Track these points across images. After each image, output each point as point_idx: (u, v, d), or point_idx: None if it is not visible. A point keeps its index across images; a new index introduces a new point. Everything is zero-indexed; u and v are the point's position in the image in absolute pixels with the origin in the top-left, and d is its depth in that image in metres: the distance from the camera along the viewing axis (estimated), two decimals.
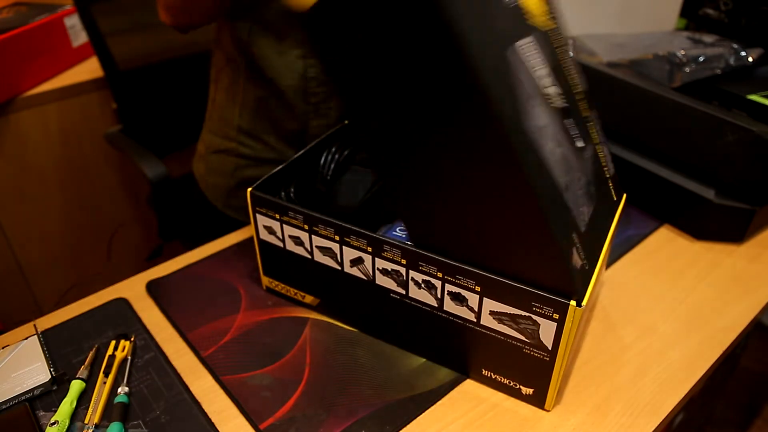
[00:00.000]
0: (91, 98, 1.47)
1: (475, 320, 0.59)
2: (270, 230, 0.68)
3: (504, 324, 0.57)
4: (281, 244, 0.68)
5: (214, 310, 0.76)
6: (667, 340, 0.71)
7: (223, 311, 0.75)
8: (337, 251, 0.63)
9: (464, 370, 0.66)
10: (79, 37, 1.51)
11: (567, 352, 0.56)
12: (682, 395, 0.65)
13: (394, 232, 0.66)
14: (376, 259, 0.61)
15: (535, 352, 0.57)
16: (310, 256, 0.66)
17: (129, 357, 0.69)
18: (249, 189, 0.66)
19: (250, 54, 0.87)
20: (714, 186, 0.84)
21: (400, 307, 0.64)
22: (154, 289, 0.79)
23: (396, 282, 0.62)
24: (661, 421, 0.62)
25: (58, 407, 0.62)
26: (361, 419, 0.61)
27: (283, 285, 0.73)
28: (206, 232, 1.00)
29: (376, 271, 0.62)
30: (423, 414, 0.63)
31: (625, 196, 0.69)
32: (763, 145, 0.79)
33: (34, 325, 0.73)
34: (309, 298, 0.71)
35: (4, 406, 0.63)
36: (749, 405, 1.59)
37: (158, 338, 0.72)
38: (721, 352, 0.70)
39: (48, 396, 0.64)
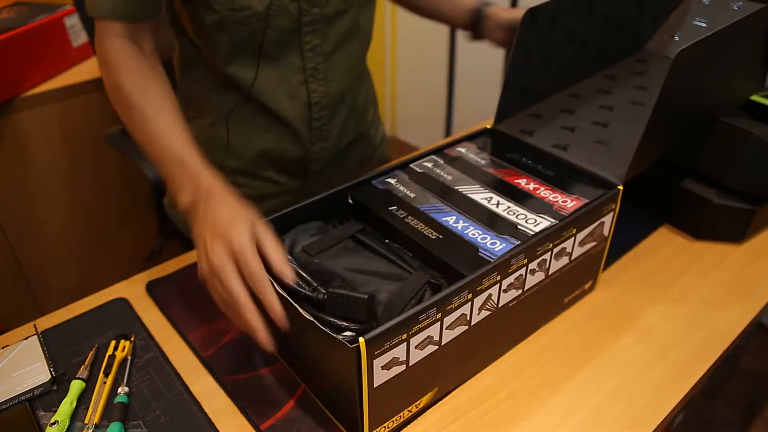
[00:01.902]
0: (91, 98, 1.47)
1: (568, 261, 0.70)
2: (391, 363, 0.55)
3: (586, 244, 0.71)
4: (404, 367, 0.57)
5: (214, 310, 0.75)
6: (667, 340, 0.71)
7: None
8: (468, 310, 0.60)
9: (551, 318, 0.72)
10: (79, 37, 1.51)
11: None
12: (682, 395, 0.65)
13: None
14: (503, 281, 0.61)
15: (597, 249, 0.73)
16: (437, 346, 0.59)
17: (129, 357, 0.69)
18: (361, 339, 0.51)
19: (249, 89, 0.80)
20: (714, 186, 0.84)
21: (514, 310, 0.67)
22: (154, 289, 0.79)
23: (516, 288, 0.65)
24: (661, 421, 0.62)
25: (58, 407, 0.62)
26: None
27: (394, 420, 0.61)
28: None
29: (501, 295, 0.62)
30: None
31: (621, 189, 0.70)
32: (763, 147, 0.79)
33: (34, 325, 0.73)
34: (426, 398, 0.63)
35: (4, 406, 0.63)
36: (749, 405, 1.58)
37: (158, 338, 0.72)
38: (721, 352, 0.70)
39: (48, 396, 0.64)
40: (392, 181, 0.74)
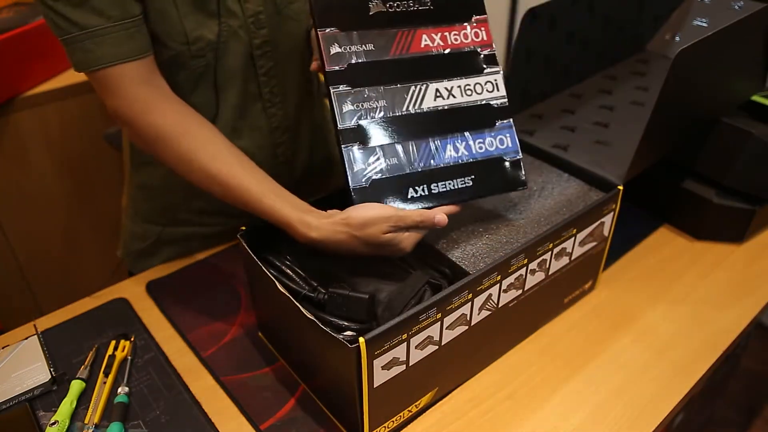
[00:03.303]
0: (91, 98, 1.46)
1: (569, 261, 0.71)
2: (391, 363, 0.55)
3: (587, 244, 0.71)
4: (404, 367, 0.57)
5: (214, 310, 0.76)
6: (667, 340, 0.71)
7: (223, 311, 0.75)
8: (468, 310, 0.60)
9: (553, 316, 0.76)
10: None
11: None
12: (682, 395, 0.65)
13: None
14: (502, 282, 0.62)
15: (598, 248, 0.73)
16: (437, 346, 0.59)
17: (129, 357, 0.69)
18: (362, 339, 0.51)
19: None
20: (714, 186, 0.84)
21: (515, 310, 0.68)
22: (154, 289, 0.79)
23: (516, 288, 0.65)
24: (661, 421, 0.62)
25: (58, 407, 0.62)
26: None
27: (393, 421, 0.61)
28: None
29: (501, 295, 0.63)
30: (424, 414, 0.63)
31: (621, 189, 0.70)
32: (763, 147, 0.79)
33: (34, 325, 0.73)
34: (425, 399, 0.63)
35: (4, 406, 0.63)
36: (749, 405, 1.58)
37: (158, 338, 0.72)
38: (721, 352, 0.70)
39: (48, 396, 0.64)
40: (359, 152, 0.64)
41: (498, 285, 0.61)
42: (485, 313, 0.62)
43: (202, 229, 0.86)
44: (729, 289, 0.79)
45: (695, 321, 0.74)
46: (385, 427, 0.60)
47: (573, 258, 0.69)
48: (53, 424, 0.60)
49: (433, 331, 0.56)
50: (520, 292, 0.64)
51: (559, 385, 0.66)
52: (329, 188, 0.78)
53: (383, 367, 0.54)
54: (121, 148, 0.89)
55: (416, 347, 0.56)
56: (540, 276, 0.66)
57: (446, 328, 0.58)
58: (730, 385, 1.55)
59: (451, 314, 0.57)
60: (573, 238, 0.67)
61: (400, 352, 0.54)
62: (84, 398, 0.64)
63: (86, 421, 0.61)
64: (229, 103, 0.76)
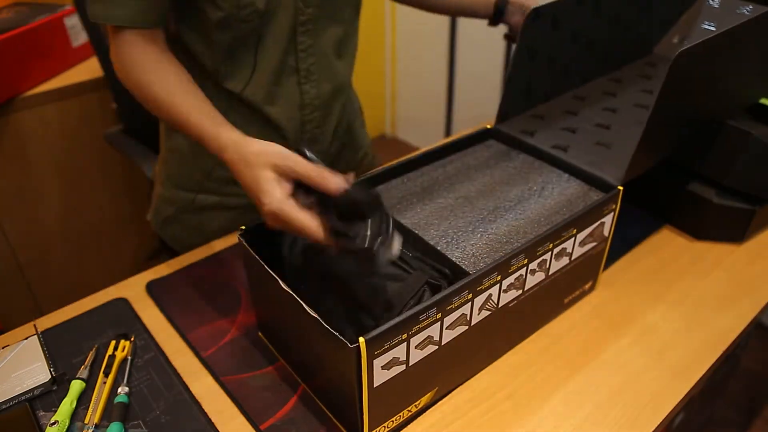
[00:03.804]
0: (91, 98, 1.47)
1: (569, 261, 0.70)
2: (391, 363, 0.55)
3: (587, 244, 0.71)
4: (404, 367, 0.57)
5: (214, 310, 0.76)
6: (667, 340, 0.71)
7: (223, 311, 0.75)
8: (468, 310, 0.60)
9: (552, 317, 0.76)
10: (79, 37, 1.51)
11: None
12: (682, 395, 0.65)
13: None
14: (503, 281, 0.62)
15: (598, 248, 0.73)
16: (437, 346, 0.59)
17: (129, 357, 0.69)
18: (362, 339, 0.51)
19: (240, 93, 0.79)
20: (714, 186, 0.84)
21: (514, 310, 0.67)
22: (154, 289, 0.79)
23: (516, 288, 0.65)
24: (661, 421, 0.62)
25: (58, 407, 0.62)
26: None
27: (393, 420, 0.61)
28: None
29: (501, 295, 0.63)
30: (424, 414, 0.63)
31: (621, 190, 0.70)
32: (763, 147, 0.79)
33: (34, 325, 0.73)
34: (425, 399, 0.63)
35: (4, 406, 0.63)
36: (749, 405, 1.58)
37: (158, 338, 0.72)
38: (721, 352, 0.70)
39: (48, 396, 0.64)
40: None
41: (498, 285, 0.61)
42: (485, 313, 0.62)
43: (230, 199, 0.89)
44: (729, 289, 0.79)
45: (695, 321, 0.74)
46: (384, 426, 0.60)
47: (573, 258, 0.69)
48: (53, 424, 0.60)
49: (433, 331, 0.56)
50: (520, 292, 0.64)
51: (559, 385, 0.66)
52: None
53: (383, 367, 0.54)
54: (121, 149, 0.90)
55: (416, 347, 0.56)
56: (540, 276, 0.66)
57: (446, 328, 0.58)
58: (730, 385, 1.55)
59: (451, 314, 0.57)
60: (573, 239, 0.67)
61: (400, 352, 0.54)
62: (84, 398, 0.64)
63: (86, 421, 0.61)
64: (266, 70, 0.79)
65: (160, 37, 0.73)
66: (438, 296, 0.55)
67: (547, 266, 0.66)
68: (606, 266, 0.80)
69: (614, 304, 0.76)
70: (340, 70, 0.86)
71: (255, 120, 0.83)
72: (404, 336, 0.54)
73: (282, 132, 0.85)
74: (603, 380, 0.66)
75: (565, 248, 0.67)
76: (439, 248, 0.65)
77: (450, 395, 0.65)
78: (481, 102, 2.36)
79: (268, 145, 0.60)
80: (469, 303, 0.58)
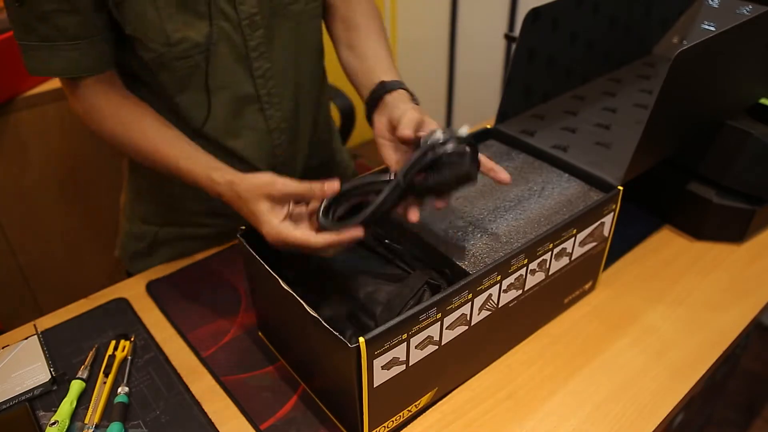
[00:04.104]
0: None
1: (569, 261, 0.70)
2: (392, 363, 0.56)
3: (587, 244, 0.71)
4: (404, 366, 0.57)
5: (214, 310, 0.76)
6: (667, 341, 0.71)
7: (223, 311, 0.75)
8: (468, 310, 0.60)
9: (553, 317, 0.76)
10: None
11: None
12: (682, 395, 0.65)
13: None
14: (503, 281, 0.62)
15: (598, 248, 0.73)
16: (437, 347, 0.59)
17: (129, 357, 0.69)
18: (361, 339, 0.51)
19: (201, 128, 0.75)
20: (714, 186, 0.84)
21: (514, 309, 0.67)
22: (154, 289, 0.79)
23: (516, 288, 0.65)
24: (661, 421, 0.62)
25: (58, 407, 0.62)
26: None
27: (392, 420, 0.62)
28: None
29: (501, 295, 0.63)
30: (424, 414, 0.63)
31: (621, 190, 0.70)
32: (763, 147, 0.79)
33: (34, 325, 0.73)
34: (425, 398, 0.63)
35: (4, 406, 0.63)
36: (749, 405, 1.58)
37: (158, 338, 0.72)
38: (721, 352, 0.70)
39: (48, 396, 0.64)
40: None
41: (498, 285, 0.61)
42: (485, 313, 0.62)
43: (198, 230, 0.86)
44: (729, 289, 0.79)
45: (695, 321, 0.74)
46: (384, 426, 0.60)
47: (573, 258, 0.69)
48: (53, 424, 0.60)
49: (433, 331, 0.57)
50: (520, 292, 0.64)
51: (559, 385, 0.66)
52: None
53: (383, 367, 0.54)
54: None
55: (416, 347, 0.56)
56: (540, 276, 0.66)
57: (446, 328, 0.58)
58: (730, 385, 1.55)
59: (451, 314, 0.57)
60: (573, 239, 0.67)
61: (400, 352, 0.54)
62: (84, 398, 0.64)
63: (86, 421, 0.61)
64: (222, 105, 0.74)
65: (116, 78, 0.70)
66: (438, 296, 0.55)
67: (548, 266, 0.66)
68: (606, 266, 0.80)
69: (614, 304, 0.76)
70: (305, 79, 0.81)
71: (221, 154, 0.73)
72: (404, 336, 0.54)
73: (249, 162, 0.80)
74: (603, 380, 0.66)
75: (565, 248, 0.67)
76: (439, 248, 0.65)
77: (450, 395, 0.65)
78: (480, 102, 2.36)
79: (257, 177, 0.61)
80: (469, 303, 0.58)
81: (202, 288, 0.79)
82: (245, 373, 0.67)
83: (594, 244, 0.71)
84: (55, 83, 1.42)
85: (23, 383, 0.65)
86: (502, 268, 0.60)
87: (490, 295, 0.61)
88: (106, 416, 0.62)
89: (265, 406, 0.63)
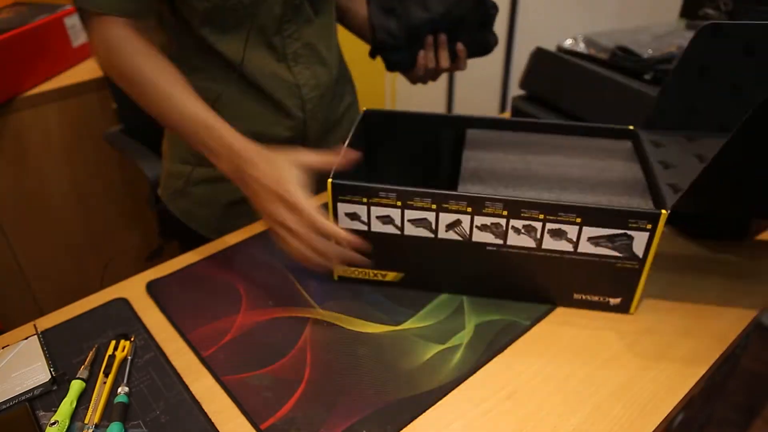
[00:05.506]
0: (91, 98, 1.47)
1: (572, 250, 0.68)
2: (354, 216, 0.69)
3: (600, 246, 0.67)
4: (366, 228, 0.70)
5: (214, 310, 0.76)
6: (667, 340, 0.71)
7: (223, 311, 0.75)
8: (432, 219, 0.68)
9: (554, 300, 0.75)
10: (79, 37, 1.51)
11: (653, 257, 0.67)
12: (682, 395, 0.65)
13: None
14: (476, 217, 0.67)
15: (627, 264, 0.68)
16: (399, 232, 0.70)
17: (129, 357, 0.69)
18: (329, 180, 0.67)
19: (239, 66, 0.83)
20: None
21: (495, 258, 0.71)
22: (154, 289, 0.79)
23: (494, 234, 0.68)
24: (661, 421, 0.62)
25: (58, 407, 0.62)
26: (362, 419, 0.61)
27: (360, 270, 0.76)
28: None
29: (474, 229, 0.68)
30: (424, 414, 0.63)
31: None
32: None
33: (34, 325, 0.74)
34: (391, 275, 0.75)
35: (4, 406, 0.63)
36: (749, 405, 1.59)
37: (158, 338, 0.72)
38: (721, 352, 0.70)
39: (48, 396, 0.64)
40: None
41: (470, 217, 0.66)
42: (453, 235, 0.68)
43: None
44: (729, 289, 0.79)
45: (695, 321, 0.74)
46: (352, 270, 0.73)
47: (580, 251, 0.68)
48: (53, 424, 0.60)
49: (394, 213, 0.66)
50: (500, 241, 0.67)
51: (559, 384, 0.66)
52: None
53: (346, 215, 0.66)
54: (121, 149, 0.92)
55: (377, 218, 0.64)
56: (528, 241, 0.68)
57: (408, 220, 0.67)
58: (730, 385, 1.55)
59: (413, 210, 0.66)
60: (577, 227, 0.66)
61: (361, 211, 0.65)
62: (84, 398, 0.64)
63: (86, 421, 0.61)
64: (256, 55, 0.83)
65: (146, 30, 0.75)
66: (436, 192, 0.63)
67: (538, 236, 0.67)
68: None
69: None
70: (327, 61, 0.91)
71: (254, 98, 0.86)
72: (364, 200, 0.62)
73: (284, 108, 0.88)
74: (603, 380, 0.66)
75: (564, 231, 0.67)
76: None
77: (450, 395, 0.65)
78: (481, 102, 2.36)
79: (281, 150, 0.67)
80: (433, 213, 0.66)
81: (202, 288, 0.79)
82: (245, 373, 0.67)
83: (616, 253, 0.68)
84: (54, 83, 1.43)
85: (23, 383, 0.65)
86: (475, 202, 0.64)
87: (459, 220, 0.67)
88: (106, 416, 0.62)
89: (266, 406, 0.63)
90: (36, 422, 0.61)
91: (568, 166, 0.77)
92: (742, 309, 0.76)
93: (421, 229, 0.68)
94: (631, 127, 0.82)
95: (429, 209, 0.66)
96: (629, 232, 0.66)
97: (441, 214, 0.66)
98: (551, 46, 1.10)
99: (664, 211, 0.64)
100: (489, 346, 0.70)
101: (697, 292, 0.78)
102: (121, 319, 0.75)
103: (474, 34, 0.85)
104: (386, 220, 0.68)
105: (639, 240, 0.66)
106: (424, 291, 0.76)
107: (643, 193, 0.72)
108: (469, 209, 0.65)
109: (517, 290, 0.74)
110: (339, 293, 0.77)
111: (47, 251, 1.54)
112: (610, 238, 0.67)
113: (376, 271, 0.73)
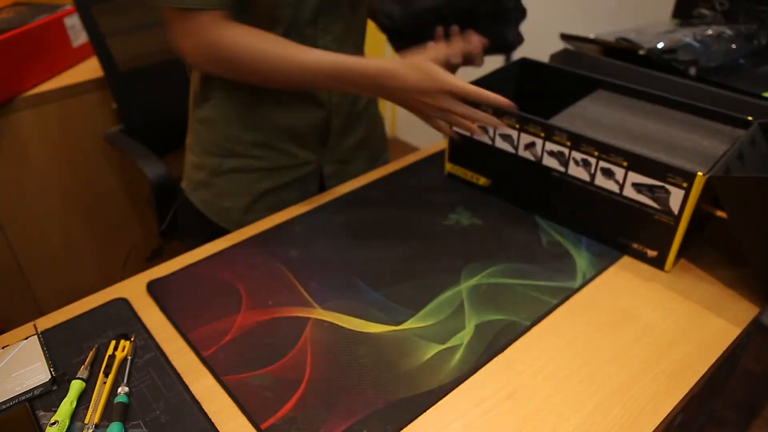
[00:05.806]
0: (91, 98, 1.47)
1: (618, 192, 0.78)
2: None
3: (642, 194, 0.75)
4: (467, 133, 0.89)
5: (214, 310, 0.76)
6: (667, 340, 0.71)
7: (223, 311, 0.75)
8: (516, 137, 0.85)
9: (603, 239, 0.84)
10: (79, 37, 1.51)
11: (689, 217, 0.73)
12: (682, 395, 0.65)
13: None
14: (546, 142, 0.81)
15: (663, 218, 0.75)
16: (491, 143, 0.88)
17: (129, 357, 0.69)
18: None
19: None
20: None
21: (558, 183, 0.84)
22: (154, 289, 0.79)
23: (559, 162, 0.82)
24: (661, 421, 0.62)
25: (58, 407, 0.62)
26: (363, 419, 0.61)
27: (463, 169, 0.95)
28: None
29: (545, 153, 0.82)
30: (424, 414, 0.63)
31: None
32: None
33: (34, 325, 0.74)
34: (482, 180, 0.93)
35: (4, 406, 0.63)
36: (749, 405, 1.59)
37: (158, 338, 0.72)
38: (721, 352, 0.70)
39: (48, 396, 0.64)
40: None
41: (542, 141, 0.80)
42: (528, 155, 0.82)
43: (254, 162, 0.96)
44: (729, 289, 0.79)
45: (695, 321, 0.74)
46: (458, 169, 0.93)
47: (624, 195, 0.76)
48: (53, 424, 0.60)
49: (513, 134, 0.82)
50: (563, 169, 0.80)
51: (559, 384, 0.66)
52: (344, 155, 1.03)
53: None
54: (121, 149, 0.92)
55: (479, 127, 0.77)
56: (583, 173, 0.77)
57: (498, 133, 0.85)
58: (730, 385, 1.55)
59: (518, 132, 0.82)
60: (623, 170, 0.74)
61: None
62: (84, 398, 0.64)
63: (86, 421, 0.61)
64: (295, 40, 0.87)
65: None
66: (521, 114, 0.80)
67: (592, 171, 0.77)
68: (607, 265, 0.80)
69: (614, 304, 0.76)
70: (356, 39, 0.95)
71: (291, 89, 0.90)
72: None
73: (317, 97, 0.92)
74: (603, 380, 0.66)
75: (611, 171, 0.76)
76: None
77: (450, 395, 0.65)
78: None
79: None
80: (517, 132, 0.83)
81: (202, 288, 0.79)
82: (245, 373, 0.67)
83: (654, 204, 0.74)
84: (54, 83, 1.43)
85: (23, 383, 0.65)
86: (546, 128, 0.78)
87: (534, 142, 0.81)
88: (106, 416, 0.62)
89: (266, 406, 0.63)
90: (36, 422, 0.61)
91: (659, 132, 0.82)
92: (742, 309, 0.76)
93: (506, 144, 0.85)
94: (750, 118, 0.83)
95: (513, 128, 0.83)
96: (667, 186, 0.73)
97: (522, 134, 0.82)
98: (546, 47, 1.10)
99: (700, 173, 0.69)
100: (489, 346, 0.70)
101: (697, 292, 0.78)
102: (121, 319, 0.75)
103: (488, 28, 0.85)
104: (484, 130, 0.87)
105: (675, 196, 0.73)
106: (507, 202, 0.92)
107: (707, 163, 0.76)
108: (542, 134, 0.79)
109: (575, 221, 0.85)
110: (339, 293, 0.77)
111: (47, 251, 1.54)
112: (650, 188, 0.74)
113: (473, 173, 0.92)
